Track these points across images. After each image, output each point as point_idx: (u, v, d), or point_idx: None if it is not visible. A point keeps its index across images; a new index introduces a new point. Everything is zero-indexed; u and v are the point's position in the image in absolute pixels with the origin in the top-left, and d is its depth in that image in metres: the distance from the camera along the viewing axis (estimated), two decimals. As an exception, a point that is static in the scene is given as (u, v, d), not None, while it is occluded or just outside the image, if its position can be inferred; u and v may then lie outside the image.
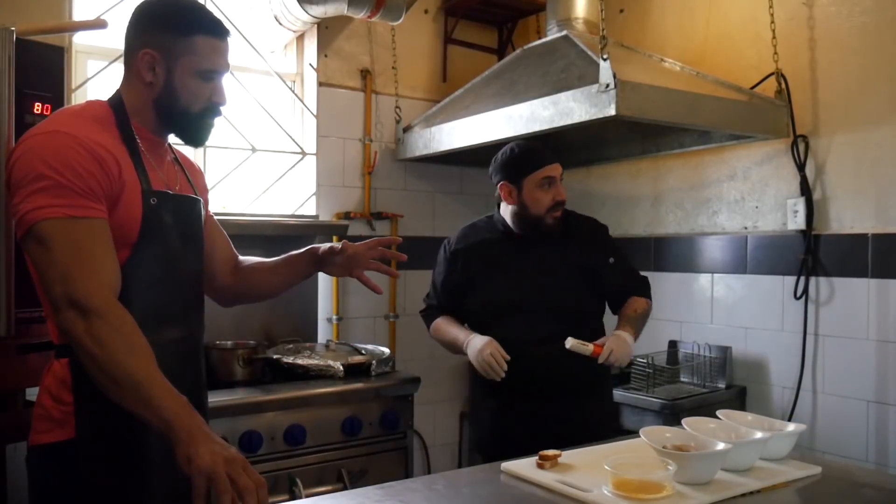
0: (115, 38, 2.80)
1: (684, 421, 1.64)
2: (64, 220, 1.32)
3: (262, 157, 3.30)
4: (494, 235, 2.32)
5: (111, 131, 1.46)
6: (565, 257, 2.26)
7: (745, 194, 3.04)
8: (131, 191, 1.43)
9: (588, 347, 2.07)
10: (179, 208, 1.55)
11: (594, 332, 2.24)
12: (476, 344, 2.15)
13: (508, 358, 2.09)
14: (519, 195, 2.22)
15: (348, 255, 1.76)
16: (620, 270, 2.34)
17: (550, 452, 1.54)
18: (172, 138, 1.60)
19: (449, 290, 2.36)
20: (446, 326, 2.33)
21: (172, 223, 1.51)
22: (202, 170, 1.82)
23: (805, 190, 2.80)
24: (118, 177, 1.40)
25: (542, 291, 2.22)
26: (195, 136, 1.58)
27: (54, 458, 1.40)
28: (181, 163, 1.68)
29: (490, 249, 2.30)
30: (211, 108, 1.55)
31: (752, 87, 2.89)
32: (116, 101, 1.51)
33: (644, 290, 2.36)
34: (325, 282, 3.28)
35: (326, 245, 1.79)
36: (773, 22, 2.83)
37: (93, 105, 1.51)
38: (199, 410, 1.55)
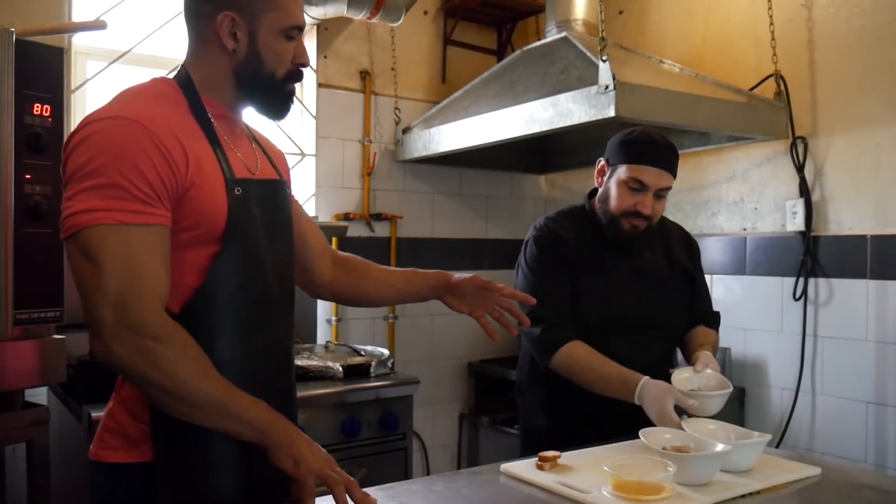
0: (114, 38, 2.81)
1: (683, 422, 1.64)
2: (116, 227, 1.16)
3: (262, 158, 3.30)
4: (585, 229, 2.02)
5: (182, 111, 1.30)
6: (669, 265, 2.03)
7: (744, 195, 3.04)
8: (212, 181, 1.27)
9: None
10: (265, 195, 1.37)
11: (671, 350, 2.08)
12: (651, 394, 1.73)
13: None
14: (608, 179, 1.96)
15: (481, 291, 1.63)
16: (701, 295, 2.12)
17: (550, 454, 1.54)
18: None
19: (563, 287, 1.94)
20: (599, 360, 1.87)
21: (258, 214, 1.34)
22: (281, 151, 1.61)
23: (804, 191, 2.80)
24: (185, 171, 1.23)
25: (653, 305, 1.97)
26: (280, 106, 1.42)
27: (127, 479, 1.27)
28: (259, 141, 1.51)
29: (586, 247, 1.99)
30: (295, 72, 1.39)
31: (751, 89, 2.90)
32: (184, 78, 1.34)
33: (716, 323, 2.12)
34: (324, 283, 3.28)
35: (462, 276, 1.64)
36: (772, 23, 2.83)
37: (159, 83, 1.35)
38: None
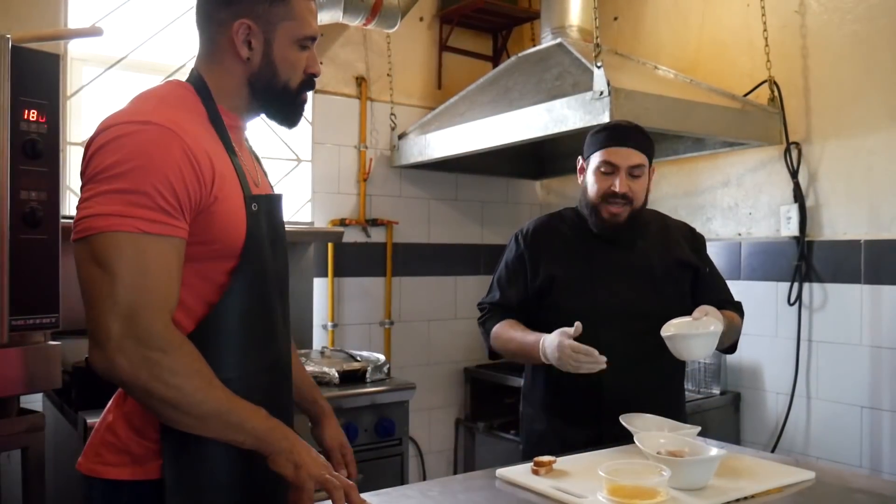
0: (110, 44, 2.81)
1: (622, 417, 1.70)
2: (134, 235, 1.12)
3: (258, 164, 3.30)
4: (572, 226, 2.06)
5: (202, 121, 1.27)
6: (664, 258, 2.00)
7: (739, 201, 3.05)
8: (234, 196, 1.25)
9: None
10: (271, 210, 1.36)
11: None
12: (551, 343, 1.79)
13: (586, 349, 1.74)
14: (585, 174, 2.01)
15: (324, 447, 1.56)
16: (716, 283, 2.09)
17: (545, 459, 1.55)
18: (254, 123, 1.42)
19: (518, 282, 2.03)
20: (510, 331, 1.97)
21: (266, 229, 1.32)
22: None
23: (798, 196, 2.81)
24: (211, 185, 1.20)
25: (642, 296, 1.95)
26: (292, 115, 1.39)
27: (128, 497, 1.24)
28: (254, 152, 1.49)
29: (572, 242, 2.03)
30: (308, 81, 1.37)
31: (746, 95, 2.91)
32: (199, 84, 1.31)
33: (739, 310, 2.08)
34: (320, 288, 3.28)
35: (329, 429, 1.57)
36: (765, 30, 2.85)
37: (177, 88, 1.31)
38: None
